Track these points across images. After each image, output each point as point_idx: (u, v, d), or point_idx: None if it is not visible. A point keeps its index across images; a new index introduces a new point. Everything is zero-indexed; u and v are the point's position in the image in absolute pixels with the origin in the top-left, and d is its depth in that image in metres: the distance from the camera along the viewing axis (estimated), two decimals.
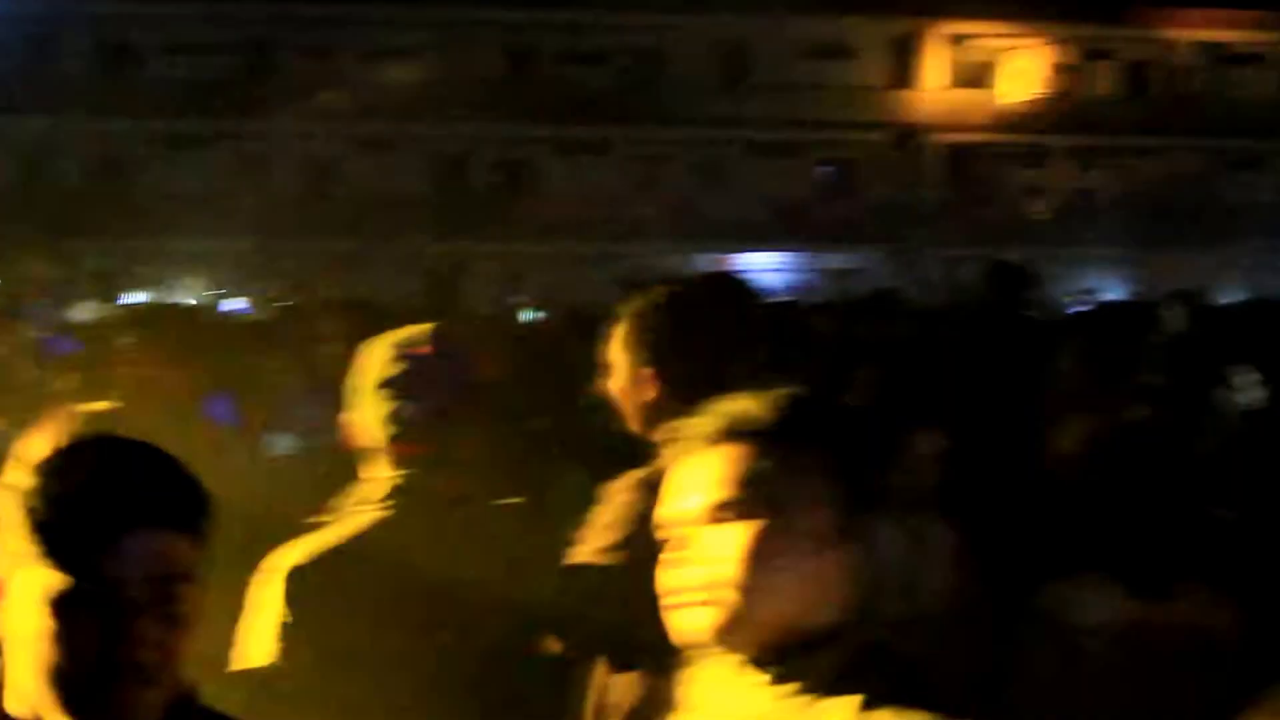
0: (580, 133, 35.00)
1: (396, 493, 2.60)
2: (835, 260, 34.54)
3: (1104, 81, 37.29)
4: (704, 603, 1.68)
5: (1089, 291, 27.21)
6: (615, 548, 2.51)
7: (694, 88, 35.95)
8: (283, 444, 5.80)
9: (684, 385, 2.55)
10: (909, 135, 36.40)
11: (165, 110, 33.16)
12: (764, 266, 33.37)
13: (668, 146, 36.12)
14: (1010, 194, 37.03)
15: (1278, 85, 38.69)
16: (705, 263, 30.47)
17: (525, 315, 9.10)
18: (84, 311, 11.44)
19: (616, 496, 2.60)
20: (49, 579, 1.51)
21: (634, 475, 2.59)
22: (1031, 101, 36.77)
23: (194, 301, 20.39)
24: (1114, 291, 28.07)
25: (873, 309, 7.90)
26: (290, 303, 8.71)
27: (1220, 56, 38.34)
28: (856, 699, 1.59)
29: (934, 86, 37.54)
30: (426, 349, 2.65)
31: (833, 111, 36.17)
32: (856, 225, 35.38)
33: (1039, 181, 36.92)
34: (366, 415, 2.64)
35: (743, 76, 36.51)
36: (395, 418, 2.60)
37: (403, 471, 2.60)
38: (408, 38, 34.76)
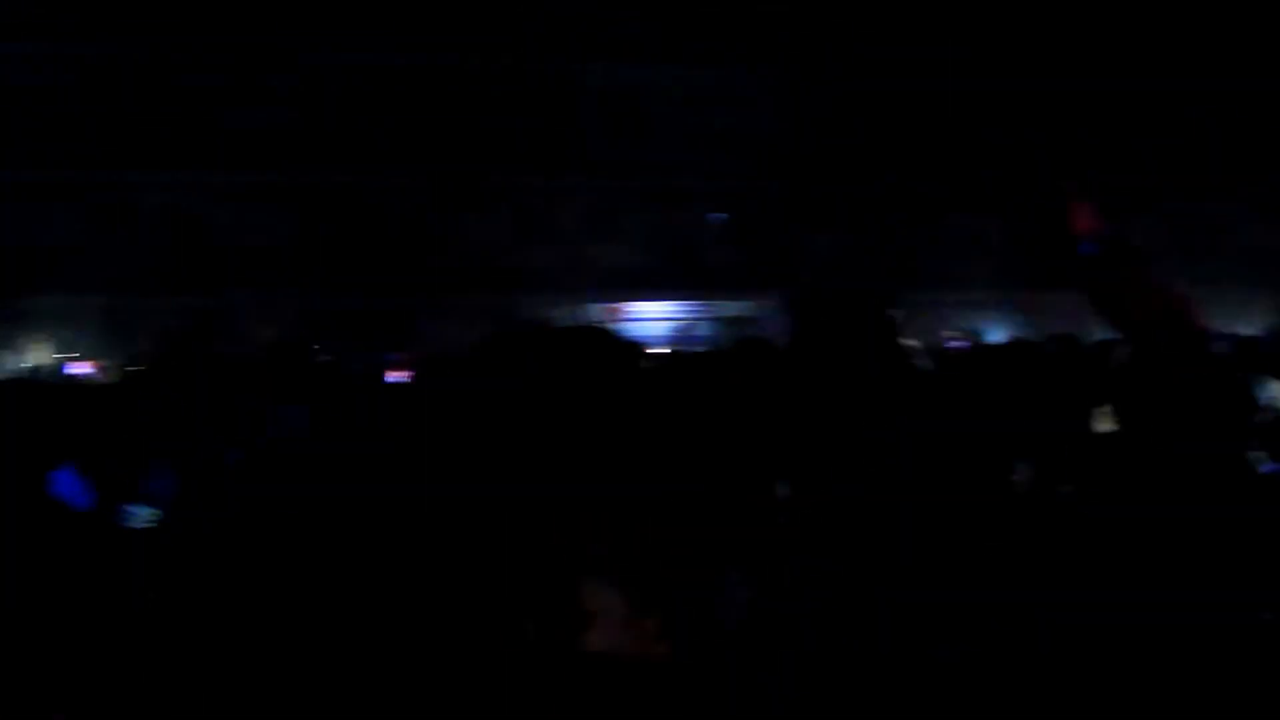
0: (470, 180, 34.58)
1: None
2: (729, 308, 34.45)
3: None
4: None
5: (972, 332, 27.61)
6: None
7: (586, 134, 35.80)
8: (141, 518, 5.42)
9: None
10: (800, 181, 36.52)
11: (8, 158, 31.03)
12: (655, 314, 33.30)
13: (559, 194, 35.87)
14: (898, 238, 37.31)
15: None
16: (597, 312, 30.30)
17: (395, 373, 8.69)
18: None
19: None
20: None
21: None
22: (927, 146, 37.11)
23: (35, 365, 19.67)
24: (995, 333, 28.50)
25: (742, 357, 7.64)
26: (141, 365, 8.20)
27: None
28: None
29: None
30: None
31: (725, 158, 36.32)
32: (749, 271, 35.36)
33: (928, 225, 37.16)
34: None
35: (634, 123, 36.38)
36: None
37: None
38: (297, 76, 33.81)
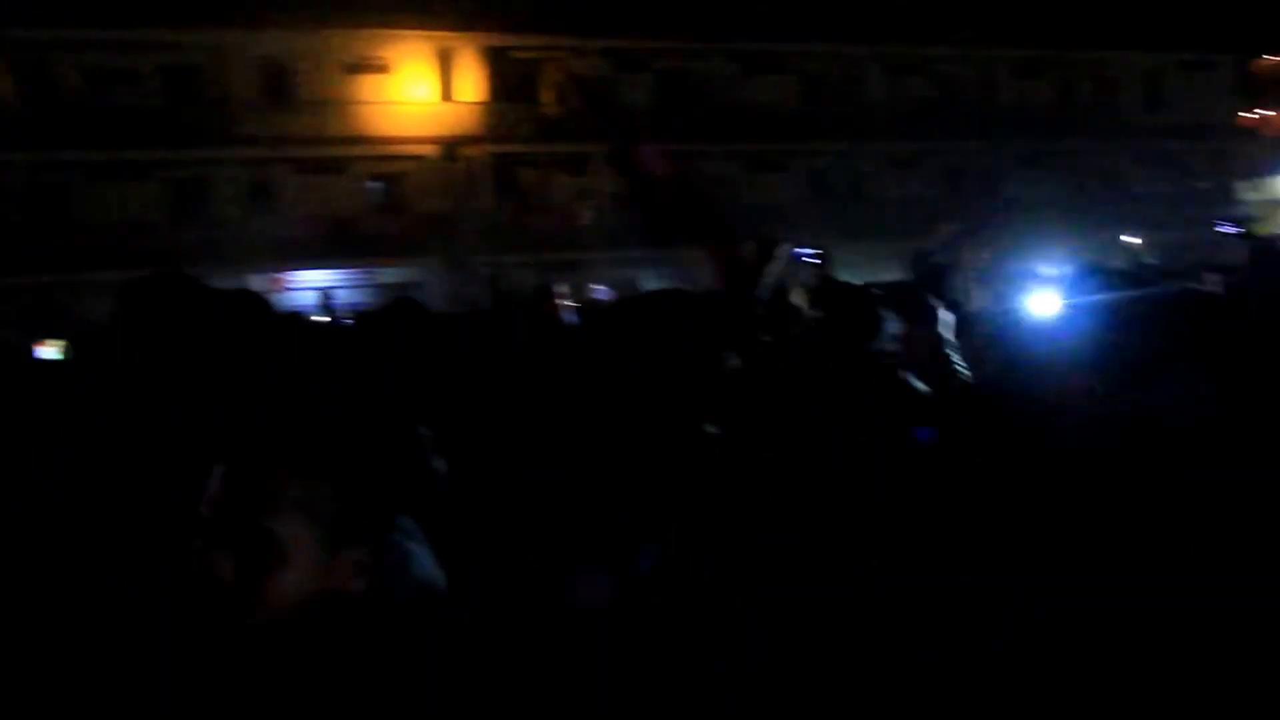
0: (118, 156, 33.74)
1: None
2: (390, 274, 34.65)
3: (638, 91, 38.84)
4: None
5: (629, 284, 28.46)
6: None
7: (236, 107, 35.41)
8: None
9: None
10: (454, 148, 36.96)
11: None
12: (318, 284, 33.24)
13: (212, 167, 35.38)
14: (557, 200, 38.07)
15: (798, 91, 41.66)
16: (257, 283, 30.10)
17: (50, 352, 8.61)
18: None
19: None
20: None
21: None
22: (571, 111, 37.94)
23: None
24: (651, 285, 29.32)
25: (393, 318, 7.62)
26: None
27: (748, 66, 40.84)
28: None
29: (477, 99, 38.20)
30: None
31: (378, 127, 36.51)
32: (409, 238, 35.67)
33: (582, 187, 38.02)
34: None
35: (286, 94, 36.15)
36: None
37: None
38: None
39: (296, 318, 9.05)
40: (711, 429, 3.65)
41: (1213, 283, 7.30)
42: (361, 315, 8.46)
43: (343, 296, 31.89)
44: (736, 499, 3.21)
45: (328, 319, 15.04)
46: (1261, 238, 16.10)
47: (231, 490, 2.04)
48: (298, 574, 2.02)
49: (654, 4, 36.81)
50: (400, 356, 5.09)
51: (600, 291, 21.50)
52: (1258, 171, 47.81)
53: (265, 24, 34.53)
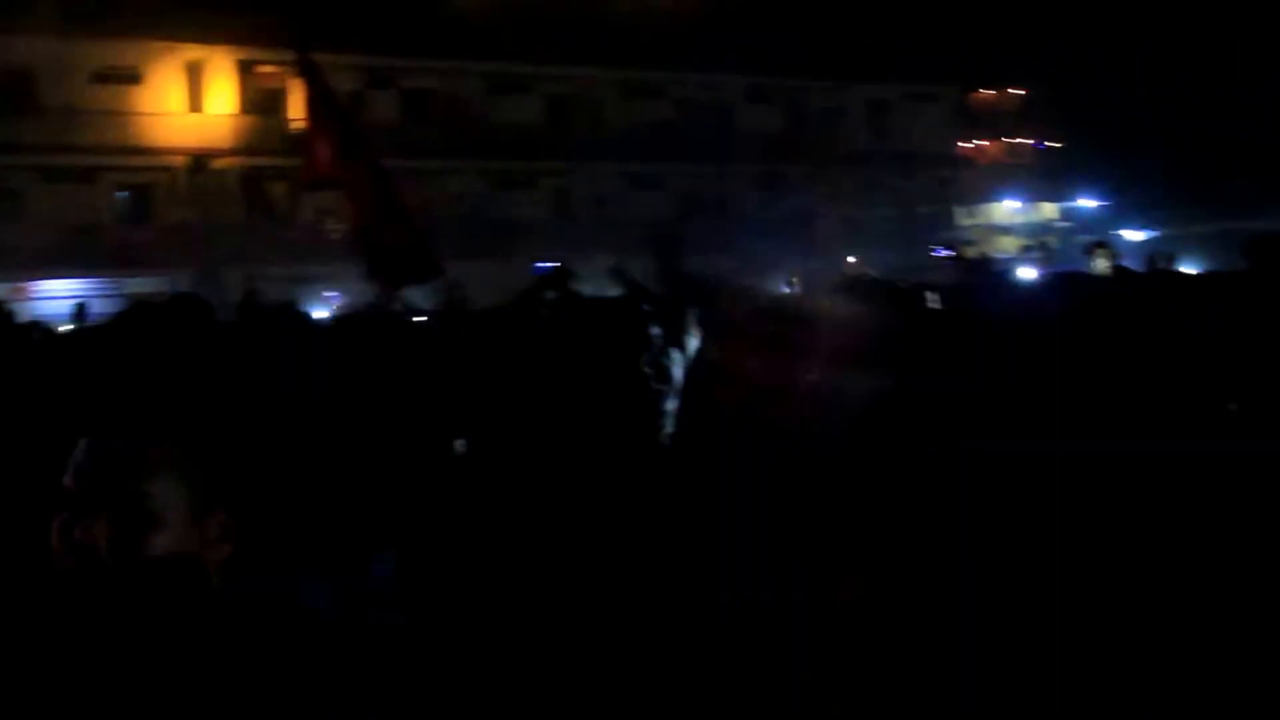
0: None
1: None
2: (138, 284, 34.57)
3: (386, 108, 39.62)
4: None
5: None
6: None
7: None
8: None
9: None
10: (203, 160, 37.19)
11: None
12: (64, 292, 33.08)
13: None
14: (304, 214, 38.45)
15: (543, 111, 42.97)
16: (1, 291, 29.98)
17: None
18: None
19: None
20: None
21: None
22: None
23: None
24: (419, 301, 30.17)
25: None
26: None
27: (494, 85, 42.04)
28: None
29: (225, 112, 38.61)
30: None
31: (126, 137, 36.52)
32: (156, 248, 35.84)
33: (329, 202, 38.33)
34: None
35: (31, 100, 35.89)
36: None
37: None
38: None
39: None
40: (456, 443, 3.75)
41: (932, 300, 8.02)
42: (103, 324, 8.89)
43: (92, 307, 31.82)
44: (477, 511, 3.20)
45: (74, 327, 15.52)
46: (971, 259, 17.78)
47: (101, 459, 2.03)
48: (171, 536, 2.01)
49: (402, 22, 37.66)
50: (139, 364, 4.93)
51: (338, 302, 22.42)
52: (974, 198, 51.05)
53: (10, 29, 34.30)
